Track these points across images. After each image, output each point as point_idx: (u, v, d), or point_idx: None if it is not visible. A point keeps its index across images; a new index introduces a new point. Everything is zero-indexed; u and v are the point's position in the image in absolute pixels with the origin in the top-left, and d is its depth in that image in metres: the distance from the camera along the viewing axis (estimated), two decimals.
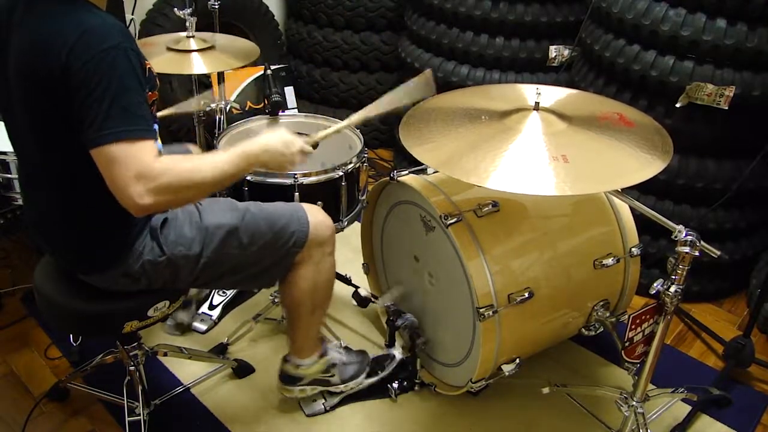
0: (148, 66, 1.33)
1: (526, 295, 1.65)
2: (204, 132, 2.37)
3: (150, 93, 1.34)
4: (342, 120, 2.15)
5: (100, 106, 1.18)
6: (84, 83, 1.18)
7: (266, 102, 2.12)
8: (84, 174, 1.25)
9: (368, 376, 1.91)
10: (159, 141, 1.46)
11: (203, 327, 2.18)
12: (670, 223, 1.38)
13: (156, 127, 1.45)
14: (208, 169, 1.30)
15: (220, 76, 2.37)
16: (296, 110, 3.40)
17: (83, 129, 1.20)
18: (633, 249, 1.82)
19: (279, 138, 1.46)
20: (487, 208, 1.67)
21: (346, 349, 1.96)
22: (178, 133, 2.97)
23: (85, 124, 1.20)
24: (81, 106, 1.19)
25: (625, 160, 1.41)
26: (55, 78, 1.19)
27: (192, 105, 2.25)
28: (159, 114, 1.97)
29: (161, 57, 2.09)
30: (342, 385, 1.87)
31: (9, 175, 1.93)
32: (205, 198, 1.42)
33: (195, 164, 1.30)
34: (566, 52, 2.73)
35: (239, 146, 1.39)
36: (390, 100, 1.66)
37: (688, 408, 1.90)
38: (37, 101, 1.26)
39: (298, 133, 1.52)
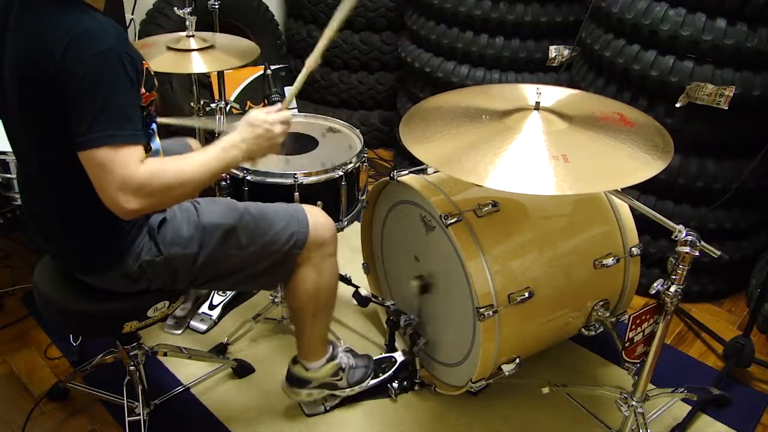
0: (146, 66, 1.32)
1: (526, 294, 1.65)
2: (204, 132, 2.38)
3: (148, 93, 1.34)
4: (337, 117, 2.18)
5: (90, 109, 1.18)
6: (75, 86, 1.18)
7: (266, 102, 2.11)
8: (80, 176, 1.25)
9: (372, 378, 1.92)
10: (157, 140, 1.46)
11: (203, 327, 2.18)
12: (670, 223, 1.38)
13: (154, 126, 1.45)
14: (192, 168, 1.30)
15: (220, 76, 2.37)
16: (296, 110, 3.40)
17: (73, 131, 1.20)
18: (633, 249, 1.82)
19: (244, 121, 1.41)
20: (487, 208, 1.67)
21: (350, 351, 1.96)
22: (178, 134, 2.97)
23: (74, 126, 1.20)
24: (72, 109, 1.20)
25: (625, 160, 1.41)
26: (50, 80, 1.19)
27: (194, 121, 2.26)
28: (160, 121, 1.97)
29: (161, 56, 2.09)
30: (348, 389, 1.87)
31: (9, 175, 1.93)
32: (194, 195, 1.41)
33: (180, 166, 1.29)
34: (566, 52, 2.73)
35: (219, 141, 1.38)
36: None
37: (688, 408, 1.90)
38: (33, 103, 1.26)
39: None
